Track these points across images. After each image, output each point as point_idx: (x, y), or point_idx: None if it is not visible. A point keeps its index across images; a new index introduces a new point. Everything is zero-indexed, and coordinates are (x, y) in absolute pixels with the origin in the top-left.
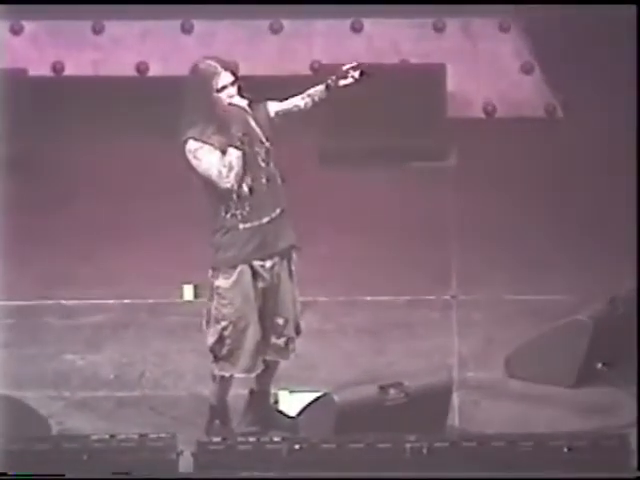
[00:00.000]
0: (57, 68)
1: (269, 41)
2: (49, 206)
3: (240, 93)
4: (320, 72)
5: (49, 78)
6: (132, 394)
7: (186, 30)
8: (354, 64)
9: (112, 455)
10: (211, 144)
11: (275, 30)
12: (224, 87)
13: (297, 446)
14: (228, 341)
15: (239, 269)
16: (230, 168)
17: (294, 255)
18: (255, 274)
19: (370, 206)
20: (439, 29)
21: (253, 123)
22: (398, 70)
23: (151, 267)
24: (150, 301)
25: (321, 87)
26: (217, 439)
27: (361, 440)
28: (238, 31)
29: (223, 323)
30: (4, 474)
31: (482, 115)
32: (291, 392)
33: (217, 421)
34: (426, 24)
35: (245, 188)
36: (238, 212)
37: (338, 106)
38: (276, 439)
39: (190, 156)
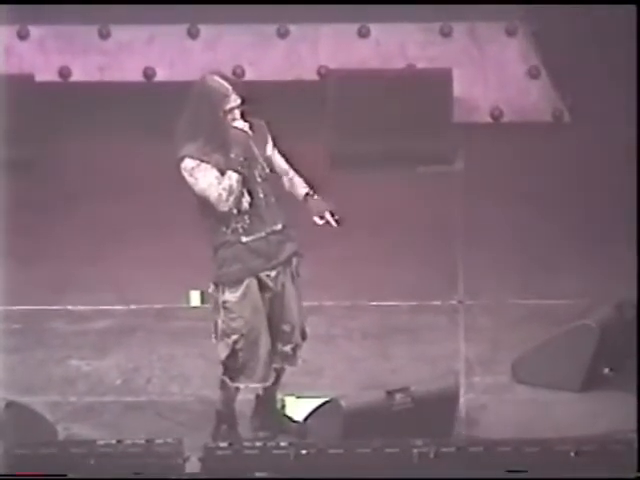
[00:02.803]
0: (64, 73)
1: (276, 46)
2: (56, 211)
3: (242, 116)
4: (327, 77)
5: (56, 83)
6: (139, 399)
7: (192, 35)
8: (334, 217)
9: (119, 460)
10: (208, 162)
11: (282, 35)
12: (231, 109)
13: (304, 451)
14: (241, 354)
15: (246, 282)
16: (230, 192)
17: (296, 261)
18: (261, 285)
19: (377, 210)
20: (446, 34)
21: (252, 145)
22: (405, 75)
23: (158, 272)
24: (157, 306)
25: (301, 192)
26: (224, 444)
27: (368, 445)
28: (244, 36)
29: (234, 337)
30: (11, 477)
31: (489, 119)
32: (297, 397)
33: (224, 426)
34: (433, 29)
35: (245, 203)
36: (239, 226)
37: (347, 110)
38: (283, 444)
39: (186, 174)
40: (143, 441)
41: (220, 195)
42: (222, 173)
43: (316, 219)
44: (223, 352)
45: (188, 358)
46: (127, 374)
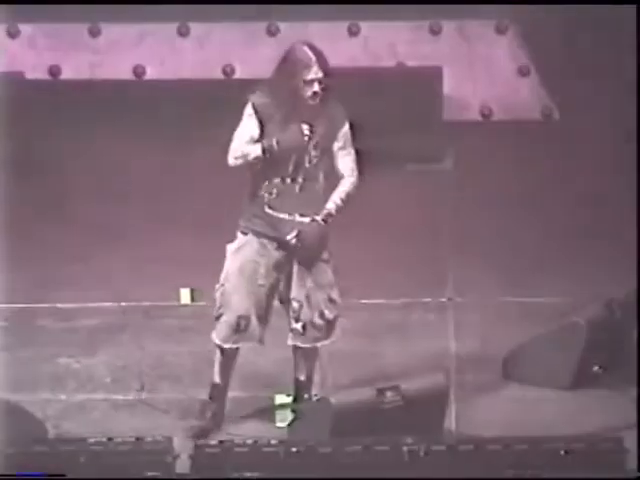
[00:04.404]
0: (54, 71)
1: (265, 43)
2: (45, 208)
3: (324, 93)
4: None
5: (46, 81)
6: (128, 397)
7: (182, 33)
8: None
9: (109, 458)
10: (260, 119)
11: (271, 32)
12: (311, 81)
13: (294, 449)
14: (218, 303)
15: (246, 238)
16: (241, 157)
17: (326, 256)
18: (265, 250)
19: (366, 209)
20: (435, 32)
21: (318, 126)
22: (394, 73)
23: (148, 270)
24: (146, 304)
25: (326, 205)
26: (214, 442)
27: (358, 443)
28: (234, 34)
29: (217, 285)
30: (1, 476)
31: (479, 118)
32: (288, 395)
33: (210, 411)
34: (422, 27)
35: (281, 176)
36: (267, 195)
37: None
38: (273, 442)
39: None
40: (133, 439)
41: (235, 151)
42: (262, 135)
43: (292, 238)
44: None
45: (178, 356)
46: (117, 372)
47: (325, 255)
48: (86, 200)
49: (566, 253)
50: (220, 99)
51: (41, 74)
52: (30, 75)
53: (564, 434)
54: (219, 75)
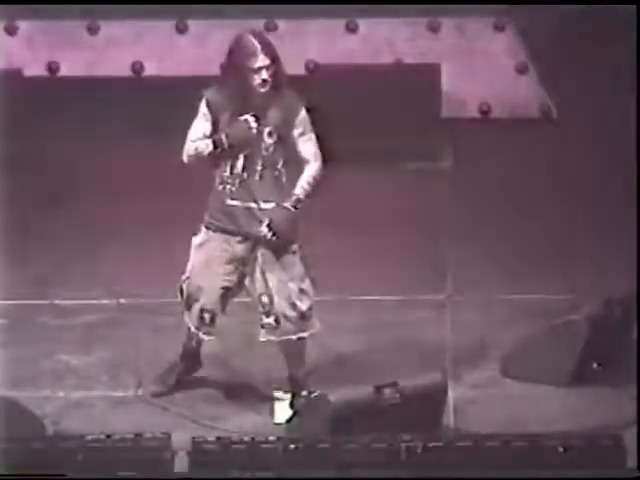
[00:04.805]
0: (52, 68)
1: None
2: (44, 205)
3: (275, 79)
4: (314, 72)
5: (44, 78)
6: (127, 394)
7: (181, 30)
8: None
9: (107, 455)
10: (212, 113)
11: (269, 30)
12: (259, 69)
13: (292, 446)
14: (185, 294)
15: (210, 233)
16: (194, 154)
17: (294, 248)
18: (231, 248)
19: (364, 206)
20: (434, 29)
21: (272, 114)
22: (393, 70)
23: (146, 267)
24: (145, 301)
25: (294, 190)
26: (212, 438)
27: (356, 440)
28: (233, 31)
29: (183, 277)
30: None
31: (477, 115)
32: (286, 392)
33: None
34: (421, 24)
35: (239, 166)
36: (228, 187)
37: (334, 105)
38: (271, 439)
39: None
40: (131, 436)
41: (188, 149)
42: (215, 130)
43: (264, 229)
44: None
45: (177, 353)
46: (115, 369)
47: (294, 247)
48: (85, 197)
49: (565, 251)
50: None
51: (39, 71)
52: (28, 72)
53: (563, 431)
54: (218, 72)
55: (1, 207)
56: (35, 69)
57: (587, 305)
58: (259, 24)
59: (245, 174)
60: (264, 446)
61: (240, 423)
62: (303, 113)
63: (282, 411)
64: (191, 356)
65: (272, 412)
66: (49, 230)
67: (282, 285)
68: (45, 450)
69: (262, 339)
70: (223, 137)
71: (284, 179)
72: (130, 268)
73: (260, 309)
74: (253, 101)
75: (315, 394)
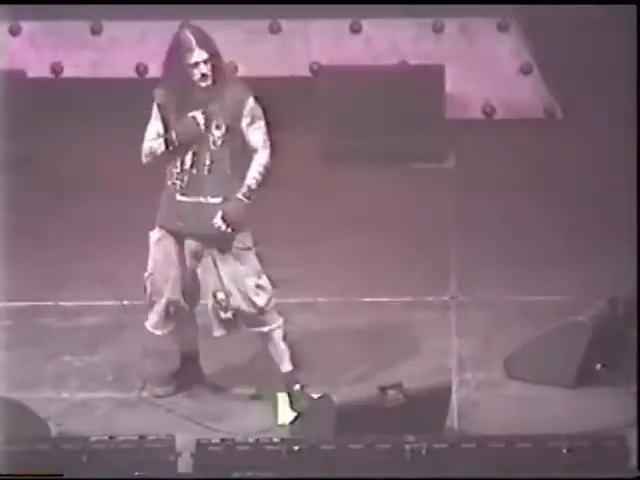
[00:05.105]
0: (56, 69)
1: (268, 42)
2: (48, 207)
3: (216, 73)
4: (319, 73)
5: (48, 79)
6: (131, 395)
7: None
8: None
9: (111, 456)
10: (162, 113)
11: (274, 31)
12: (196, 64)
13: (296, 447)
14: (148, 292)
15: (163, 231)
16: (150, 154)
17: (249, 244)
18: (185, 246)
19: (369, 207)
20: (438, 30)
21: (218, 109)
22: (397, 71)
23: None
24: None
25: (246, 181)
26: (216, 440)
27: (360, 441)
28: (236, 31)
29: (146, 274)
30: (3, 475)
31: (481, 116)
32: (284, 390)
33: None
34: (425, 25)
35: (188, 162)
36: (178, 182)
37: (339, 107)
38: (275, 440)
39: None
40: (135, 437)
41: (144, 150)
42: (166, 129)
43: (218, 221)
44: None
45: (179, 354)
46: (119, 370)
47: (248, 242)
48: (89, 198)
49: (569, 251)
50: None
51: (43, 72)
52: (32, 73)
53: (567, 432)
54: None
55: (5, 208)
56: (38, 70)
57: (591, 306)
58: (263, 25)
59: (194, 170)
60: (268, 447)
61: (244, 424)
62: (251, 103)
63: (285, 412)
64: (190, 359)
65: (275, 413)
66: (53, 231)
67: (238, 281)
68: (49, 451)
69: (217, 334)
70: (173, 135)
71: (229, 171)
72: (134, 269)
73: (216, 305)
74: (197, 96)
75: (319, 395)
